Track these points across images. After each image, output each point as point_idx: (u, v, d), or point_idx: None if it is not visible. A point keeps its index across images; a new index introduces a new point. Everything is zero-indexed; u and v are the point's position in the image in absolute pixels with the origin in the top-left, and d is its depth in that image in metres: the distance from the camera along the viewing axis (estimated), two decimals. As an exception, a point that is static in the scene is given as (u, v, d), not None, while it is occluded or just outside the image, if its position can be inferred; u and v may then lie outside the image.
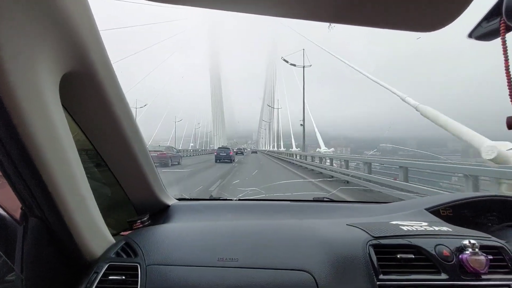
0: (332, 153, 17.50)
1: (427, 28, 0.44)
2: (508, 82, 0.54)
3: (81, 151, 0.68)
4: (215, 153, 21.46)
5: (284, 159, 24.81)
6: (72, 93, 0.66)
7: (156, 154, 14.52)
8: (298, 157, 19.98)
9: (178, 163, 15.80)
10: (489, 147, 6.19)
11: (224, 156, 20.17)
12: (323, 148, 22.33)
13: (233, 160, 20.22)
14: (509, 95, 0.54)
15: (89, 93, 0.68)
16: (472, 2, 0.41)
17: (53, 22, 0.53)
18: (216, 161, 19.70)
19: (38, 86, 0.52)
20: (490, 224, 1.04)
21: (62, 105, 0.61)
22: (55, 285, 0.63)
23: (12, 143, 0.50)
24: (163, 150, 15.29)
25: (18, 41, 0.48)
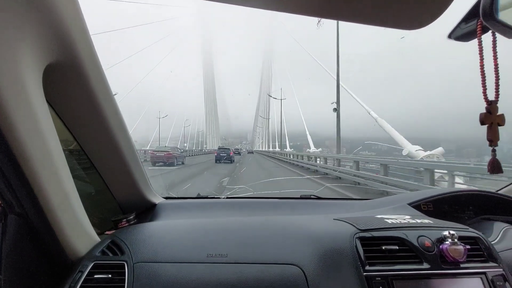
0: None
1: (413, 26, 0.45)
2: (482, 80, 0.56)
3: (64, 147, 0.66)
4: (215, 154, 21.07)
5: (279, 158, 26.80)
6: (56, 85, 0.64)
7: (163, 154, 15.56)
8: (291, 157, 22.25)
9: (182, 163, 16.67)
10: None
11: (224, 157, 19.95)
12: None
13: (233, 161, 20.02)
14: (483, 92, 0.56)
15: (73, 85, 0.66)
16: (453, 3, 0.43)
17: (35, 9, 0.51)
18: (216, 162, 19.32)
19: (20, 76, 0.50)
20: (466, 218, 1.10)
21: (45, 99, 0.60)
22: (37, 285, 0.62)
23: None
24: (169, 150, 16.49)
25: (0, 28, 0.46)
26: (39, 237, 0.60)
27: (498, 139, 0.57)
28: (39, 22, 0.53)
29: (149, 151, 17.84)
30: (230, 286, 0.63)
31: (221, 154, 20.38)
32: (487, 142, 0.58)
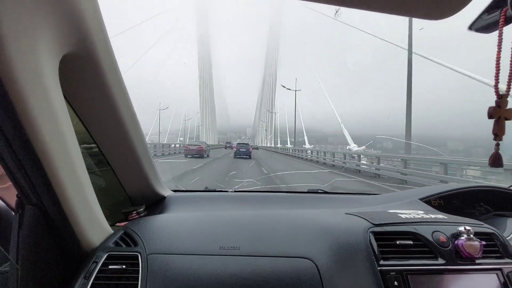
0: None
1: (434, 16, 0.44)
2: (496, 73, 0.55)
3: (78, 139, 0.66)
4: (235, 149, 21.53)
5: (281, 152, 31.49)
6: (71, 77, 0.64)
7: (196, 148, 19.38)
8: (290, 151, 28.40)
9: (208, 156, 19.77)
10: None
11: (243, 152, 20.04)
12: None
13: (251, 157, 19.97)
14: (494, 85, 0.55)
15: (88, 77, 0.66)
16: None
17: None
18: (235, 157, 19.34)
19: (38, 67, 0.50)
20: (478, 214, 1.09)
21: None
22: (52, 275, 0.62)
23: (11, 127, 0.48)
24: (200, 144, 20.44)
25: (19, 17, 0.45)
26: (55, 227, 0.61)
27: (503, 133, 0.57)
28: (56, 12, 0.52)
29: (184, 145, 22.34)
30: (243, 279, 0.63)
31: (240, 150, 20.51)
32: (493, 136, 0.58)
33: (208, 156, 19.52)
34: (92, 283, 0.61)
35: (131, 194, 1.04)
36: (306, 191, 1.38)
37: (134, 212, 0.97)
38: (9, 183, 0.54)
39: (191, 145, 20.35)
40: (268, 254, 0.68)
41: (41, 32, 0.50)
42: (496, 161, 0.58)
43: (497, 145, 0.57)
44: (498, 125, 0.55)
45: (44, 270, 0.60)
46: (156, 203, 1.12)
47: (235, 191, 1.35)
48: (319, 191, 1.35)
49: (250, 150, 20.95)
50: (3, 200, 0.61)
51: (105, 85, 0.69)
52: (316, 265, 0.65)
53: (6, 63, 0.44)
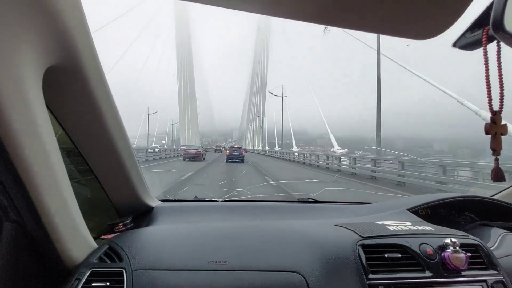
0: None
1: (421, 36, 0.45)
2: (487, 90, 0.57)
3: (61, 149, 0.63)
4: (227, 153, 20.92)
5: (269, 155, 33.30)
6: (55, 88, 0.61)
7: (194, 152, 21.14)
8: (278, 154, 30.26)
9: (204, 159, 21.16)
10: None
11: (236, 156, 19.54)
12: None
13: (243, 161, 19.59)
14: (488, 102, 0.57)
15: (73, 88, 0.64)
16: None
17: (37, 9, 0.48)
18: (227, 161, 18.90)
19: (20, 80, 0.47)
20: (463, 223, 1.11)
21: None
22: None
23: None
24: (198, 149, 22.53)
25: (1, 27, 0.43)
26: (36, 244, 0.58)
27: (501, 148, 0.58)
28: (41, 23, 0.50)
29: (184, 150, 23.73)
30: None
31: (233, 154, 19.85)
32: (480, 143, 0.59)
33: (204, 159, 21.00)
34: None
35: (117, 205, 1.00)
36: (296, 200, 1.38)
37: (121, 224, 0.94)
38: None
39: (190, 149, 22.38)
40: (256, 268, 0.67)
41: (24, 43, 0.48)
42: (498, 175, 0.59)
43: (497, 159, 0.58)
44: (495, 141, 0.57)
45: (23, 282, 0.57)
46: (143, 214, 1.09)
47: (225, 201, 1.34)
48: (309, 200, 1.36)
49: (243, 154, 20.48)
50: None
51: (91, 96, 0.66)
52: (305, 279, 0.65)
53: None
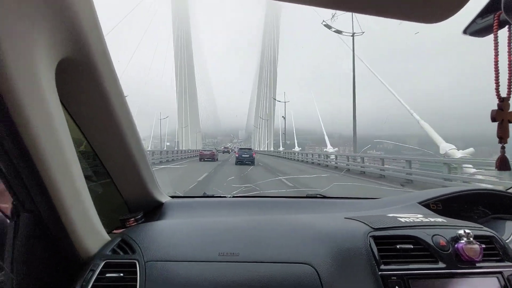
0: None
1: (429, 20, 0.44)
2: (495, 76, 0.56)
3: (75, 145, 0.64)
4: (236, 154, 20.61)
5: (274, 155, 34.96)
6: (67, 82, 0.62)
7: (209, 153, 23.60)
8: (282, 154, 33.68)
9: (217, 159, 23.57)
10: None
11: (246, 158, 18.84)
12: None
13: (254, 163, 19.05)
14: (495, 89, 0.56)
15: (85, 82, 0.65)
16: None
17: (49, 2, 0.50)
18: (236, 163, 18.47)
19: (35, 72, 0.49)
20: (476, 217, 1.09)
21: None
22: (48, 284, 0.60)
23: (7, 133, 0.47)
24: (213, 150, 25.24)
25: (15, 21, 0.45)
26: (51, 235, 0.59)
27: (508, 136, 0.57)
28: (53, 16, 0.51)
29: (199, 151, 26.33)
30: (243, 285, 0.63)
31: (243, 156, 18.93)
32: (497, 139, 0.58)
33: (217, 159, 23.22)
34: None
35: (128, 201, 1.02)
36: (304, 196, 1.38)
37: (132, 219, 0.95)
38: (4, 190, 0.53)
39: (205, 150, 25.15)
40: (267, 260, 0.67)
41: (38, 36, 0.49)
42: (503, 164, 0.58)
43: (503, 147, 0.57)
44: (501, 128, 0.55)
45: (40, 279, 0.59)
46: (153, 210, 1.11)
47: (233, 197, 1.34)
48: (318, 195, 1.35)
49: (254, 155, 19.71)
50: None
51: (102, 90, 0.67)
52: (317, 271, 0.65)
53: (2, 68, 0.43)
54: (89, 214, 0.67)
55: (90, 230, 0.68)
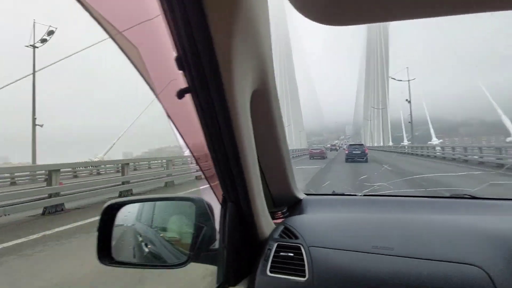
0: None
1: None
2: None
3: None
4: (346, 151, 18.87)
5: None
6: (252, 106, 0.83)
7: (318, 151, 24.99)
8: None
9: (326, 157, 24.42)
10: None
11: (357, 155, 17.14)
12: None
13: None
14: None
15: (261, 106, 0.85)
16: None
17: (254, 45, 0.68)
18: (347, 161, 17.33)
19: (245, 100, 0.69)
20: None
21: None
22: (243, 254, 0.82)
23: (230, 142, 0.68)
24: (322, 148, 26.66)
25: (242, 60, 0.63)
26: (245, 220, 0.81)
27: None
28: (256, 61, 0.70)
29: (309, 150, 28.11)
30: (399, 279, 0.64)
31: (353, 152, 17.24)
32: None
33: (326, 157, 24.17)
34: (271, 265, 0.77)
35: (274, 196, 1.21)
36: (447, 195, 1.24)
37: (279, 212, 1.13)
38: (217, 183, 0.78)
39: (314, 149, 26.70)
40: (426, 257, 0.67)
41: (247, 77, 0.69)
42: None
43: None
44: None
45: (238, 250, 0.81)
46: (294, 205, 1.25)
47: (365, 195, 1.35)
48: (466, 196, 1.19)
49: (366, 152, 17.67)
50: (216, 196, 0.88)
51: (273, 113, 0.87)
52: (488, 274, 0.61)
53: (233, 95, 0.63)
54: (263, 205, 0.87)
55: (265, 218, 0.88)
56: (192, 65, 0.55)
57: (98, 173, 21.31)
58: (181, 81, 0.58)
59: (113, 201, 0.92)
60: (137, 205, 1.01)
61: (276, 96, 0.88)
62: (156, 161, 19.49)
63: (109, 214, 0.90)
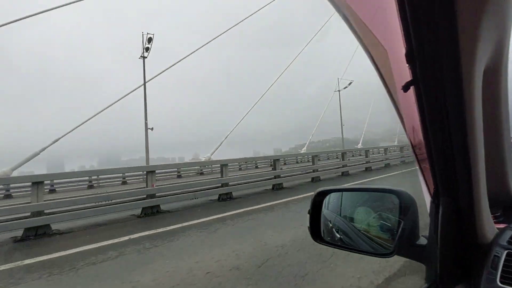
0: None
1: None
2: None
3: None
4: None
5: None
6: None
7: None
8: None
9: None
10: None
11: None
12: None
13: None
14: None
15: (487, 87, 0.71)
16: None
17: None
18: None
19: (479, 80, 0.60)
20: None
21: None
22: (458, 258, 0.73)
23: (459, 134, 0.61)
24: None
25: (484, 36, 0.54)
26: (462, 219, 0.71)
27: None
28: (495, 28, 0.57)
29: None
30: None
31: None
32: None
33: None
34: (501, 275, 0.66)
35: (489, 195, 1.00)
36: None
37: (492, 215, 0.92)
38: (430, 177, 0.73)
39: None
40: None
41: (487, 49, 0.58)
42: None
43: None
44: None
45: (454, 251, 0.73)
46: (509, 208, 0.99)
47: None
48: None
49: None
50: (428, 189, 0.83)
51: (500, 95, 0.73)
52: None
53: (470, 75, 0.55)
54: (487, 205, 0.74)
55: (488, 220, 0.74)
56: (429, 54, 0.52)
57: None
58: (407, 75, 0.57)
59: (322, 188, 1.05)
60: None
61: (506, 77, 0.72)
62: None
63: (318, 200, 1.03)
